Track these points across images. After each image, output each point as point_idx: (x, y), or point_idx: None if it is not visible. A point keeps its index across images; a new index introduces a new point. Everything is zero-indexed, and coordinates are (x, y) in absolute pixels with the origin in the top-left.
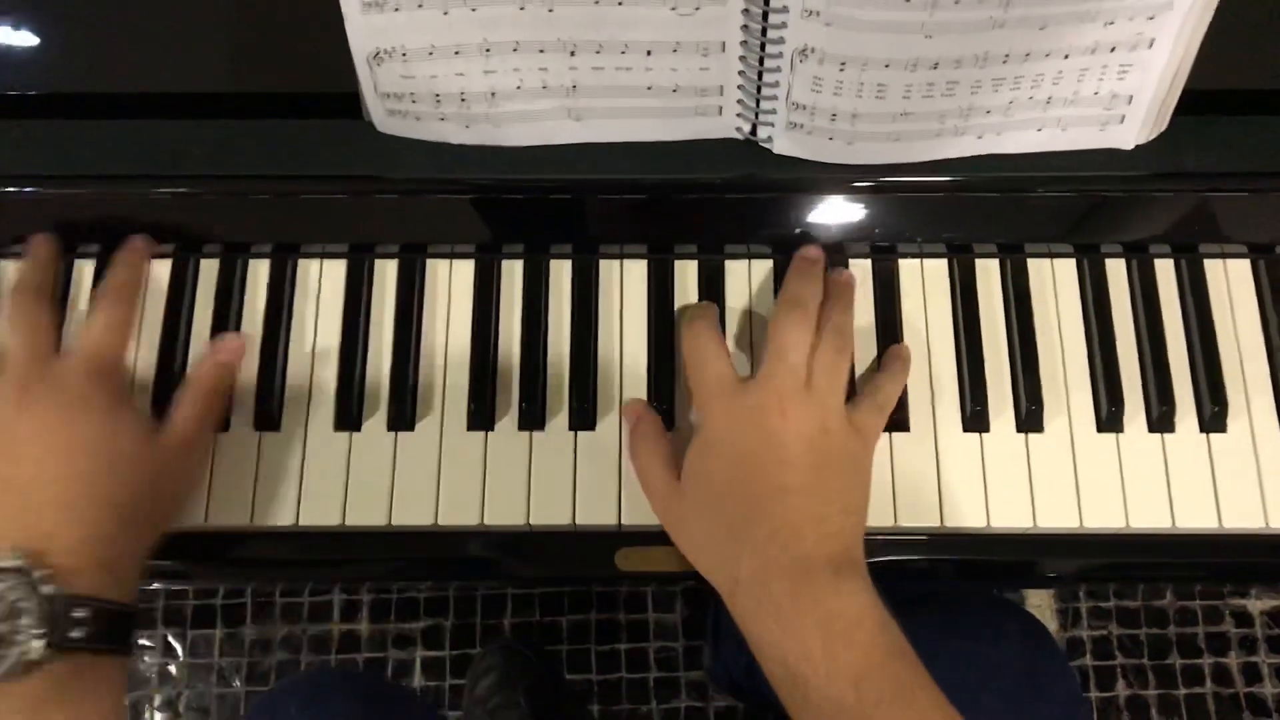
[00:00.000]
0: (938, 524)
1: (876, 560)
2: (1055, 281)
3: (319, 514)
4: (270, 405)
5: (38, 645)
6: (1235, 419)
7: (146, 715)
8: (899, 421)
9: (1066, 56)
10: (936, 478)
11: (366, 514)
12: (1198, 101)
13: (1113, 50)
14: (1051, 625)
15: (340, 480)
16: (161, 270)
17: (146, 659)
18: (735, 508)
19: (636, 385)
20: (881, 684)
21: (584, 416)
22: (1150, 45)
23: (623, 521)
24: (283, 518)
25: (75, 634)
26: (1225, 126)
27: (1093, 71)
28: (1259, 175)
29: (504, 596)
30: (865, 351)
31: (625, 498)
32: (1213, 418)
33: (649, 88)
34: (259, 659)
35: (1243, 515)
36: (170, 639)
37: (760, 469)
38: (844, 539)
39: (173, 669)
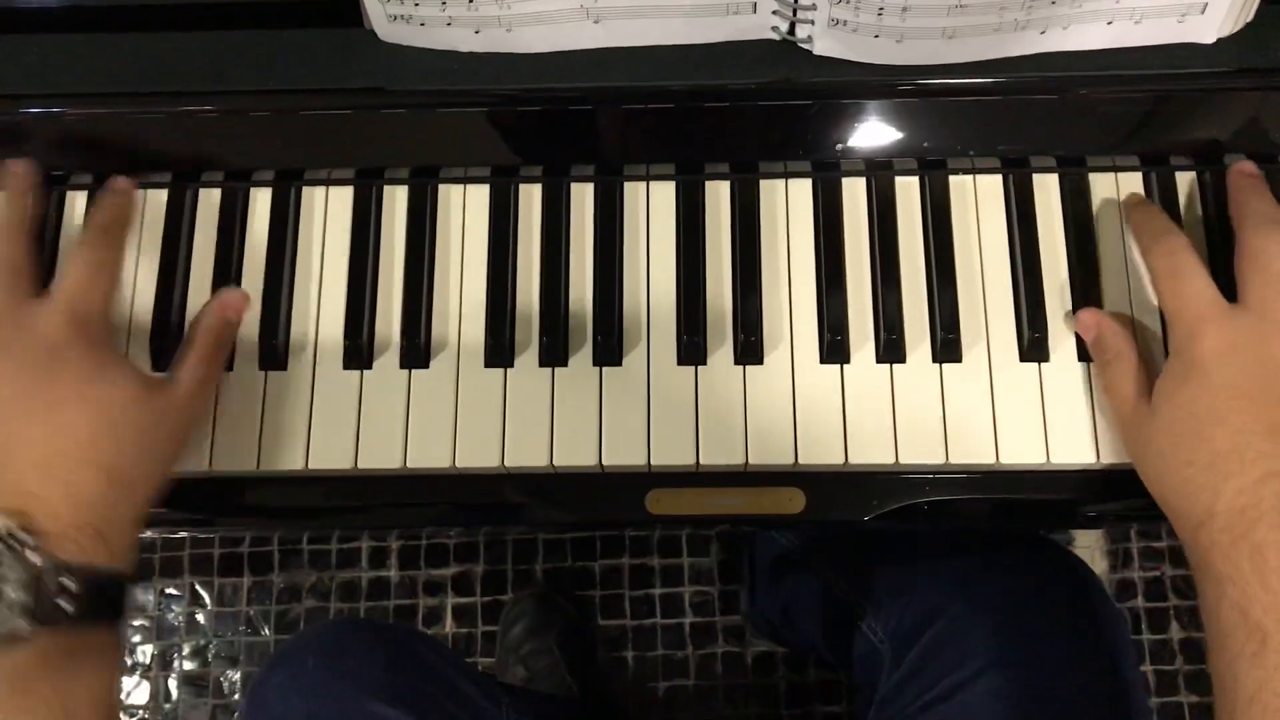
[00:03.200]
0: (992, 460)
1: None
2: (1119, 195)
3: (330, 458)
4: (276, 343)
5: (21, 621)
6: None
7: (175, 664)
8: (952, 353)
9: None
10: (991, 411)
11: (380, 457)
12: None
13: None
14: (1100, 566)
15: (351, 421)
16: (158, 200)
17: (175, 608)
18: (1225, 438)
19: (665, 317)
20: None
21: (609, 352)
22: None
23: (653, 462)
24: (292, 462)
25: (64, 605)
26: None
27: None
28: None
29: (535, 541)
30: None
31: (654, 437)
32: None
33: None
34: (287, 606)
35: None
36: (198, 587)
37: (1261, 403)
38: None
39: (200, 618)
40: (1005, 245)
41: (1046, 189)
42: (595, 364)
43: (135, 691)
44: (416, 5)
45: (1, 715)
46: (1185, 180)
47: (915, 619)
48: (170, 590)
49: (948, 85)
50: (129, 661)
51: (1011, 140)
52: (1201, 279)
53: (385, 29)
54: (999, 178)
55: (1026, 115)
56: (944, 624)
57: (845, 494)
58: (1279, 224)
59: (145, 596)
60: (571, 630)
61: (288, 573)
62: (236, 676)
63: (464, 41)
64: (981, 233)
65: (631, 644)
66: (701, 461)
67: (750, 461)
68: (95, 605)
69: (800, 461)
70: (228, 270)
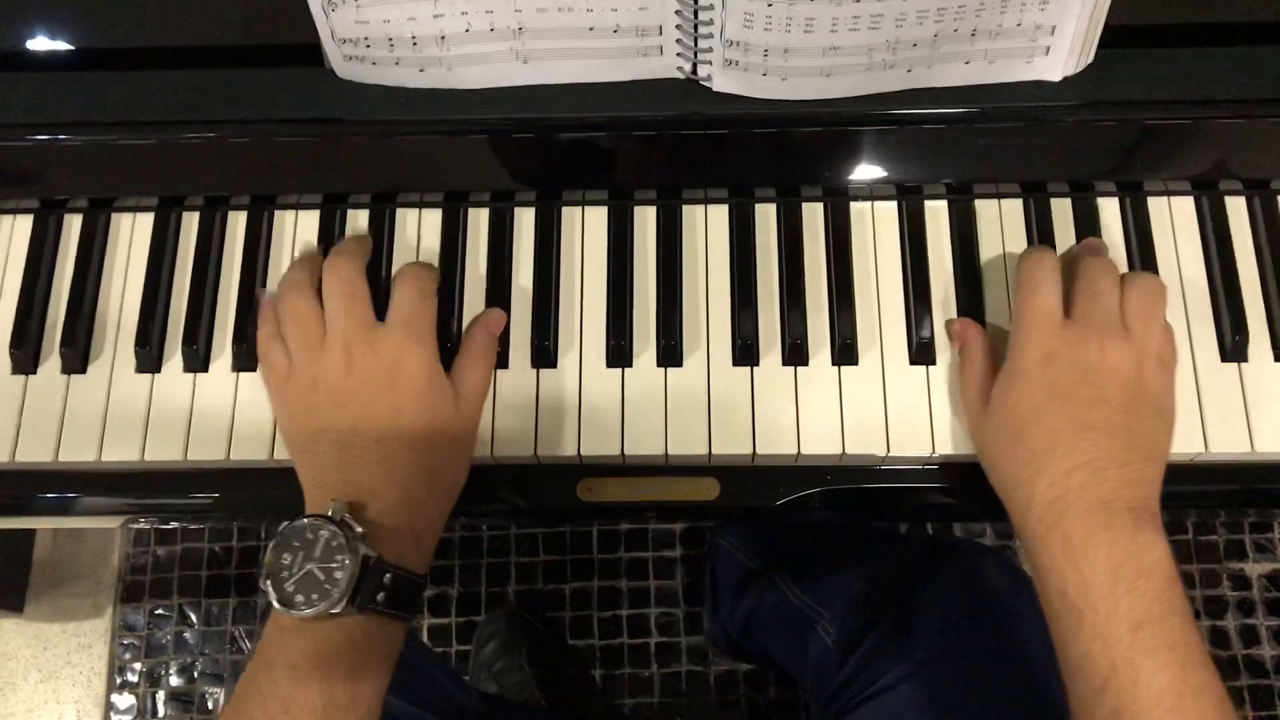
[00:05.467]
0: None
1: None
2: (1002, 224)
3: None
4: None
5: (342, 603)
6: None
7: (163, 681)
8: (849, 357)
9: None
10: (884, 408)
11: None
12: (1123, 35)
13: None
14: None
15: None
16: (145, 222)
17: (163, 627)
18: (1039, 437)
19: (597, 325)
20: (1158, 634)
21: (545, 355)
22: None
23: (583, 453)
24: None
25: (378, 597)
26: (1150, 58)
27: (1013, 3)
28: (1189, 103)
29: (508, 564)
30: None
31: (584, 431)
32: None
33: (591, 28)
34: None
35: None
36: (185, 608)
37: (1070, 403)
38: (1144, 486)
39: (188, 636)
40: (899, 265)
41: (937, 215)
42: (532, 366)
43: (124, 707)
44: (368, 47)
45: (301, 682)
46: (1060, 206)
47: (861, 622)
48: (159, 610)
49: (834, 116)
50: (119, 680)
51: (898, 168)
52: (1050, 294)
53: (342, 68)
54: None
55: (910, 146)
56: (884, 627)
57: (755, 483)
58: (1101, 251)
59: (135, 616)
60: (541, 648)
61: None
62: (220, 694)
63: (410, 79)
64: (878, 254)
65: (599, 662)
66: (627, 452)
67: (670, 453)
68: (401, 603)
69: (714, 453)
70: (252, 280)
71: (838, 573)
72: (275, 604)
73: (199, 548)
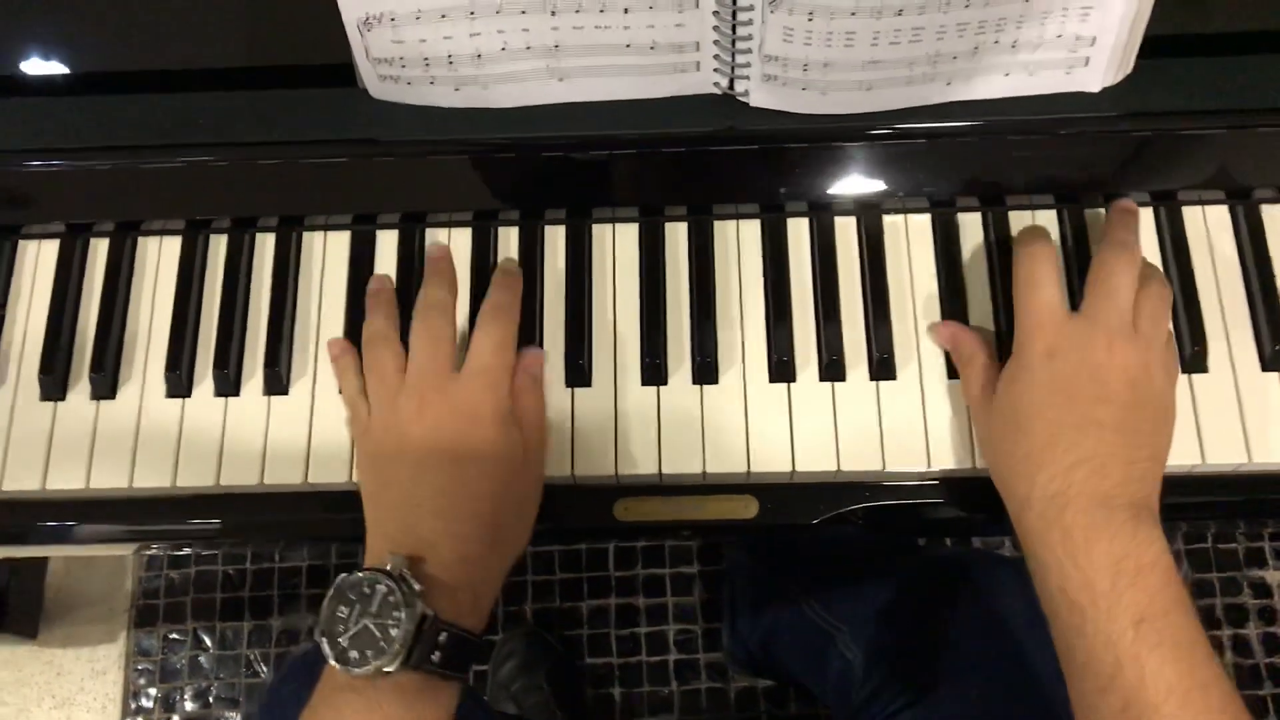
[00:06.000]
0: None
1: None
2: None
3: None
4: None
5: (397, 661)
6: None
7: (178, 706)
8: (888, 371)
9: (1028, 0)
10: (924, 423)
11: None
12: (1162, 45)
13: None
14: None
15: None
16: (173, 247)
17: (178, 652)
18: (1042, 431)
19: (633, 342)
20: (1162, 629)
21: (580, 374)
22: None
23: (620, 472)
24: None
25: (433, 657)
26: (1189, 67)
27: (1054, 15)
28: (1228, 112)
29: (525, 583)
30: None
31: (620, 450)
32: (1193, 357)
33: (628, 45)
34: (286, 649)
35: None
36: (200, 632)
37: (1076, 399)
38: (1147, 484)
39: (203, 661)
40: (933, 277)
41: (972, 227)
42: (567, 385)
43: None
44: (404, 66)
45: None
46: (1093, 216)
47: (883, 639)
48: (173, 635)
49: (868, 129)
50: (133, 705)
51: (934, 181)
52: (1051, 289)
53: (377, 88)
54: (927, 217)
55: (944, 159)
56: (906, 644)
57: (794, 500)
58: (1127, 247)
59: (149, 641)
60: (560, 668)
61: (287, 616)
62: (236, 718)
63: (446, 98)
64: (913, 267)
65: (618, 681)
66: (664, 471)
67: (708, 470)
68: (455, 662)
69: (753, 470)
70: (282, 302)
71: (857, 589)
72: (331, 661)
73: (213, 570)
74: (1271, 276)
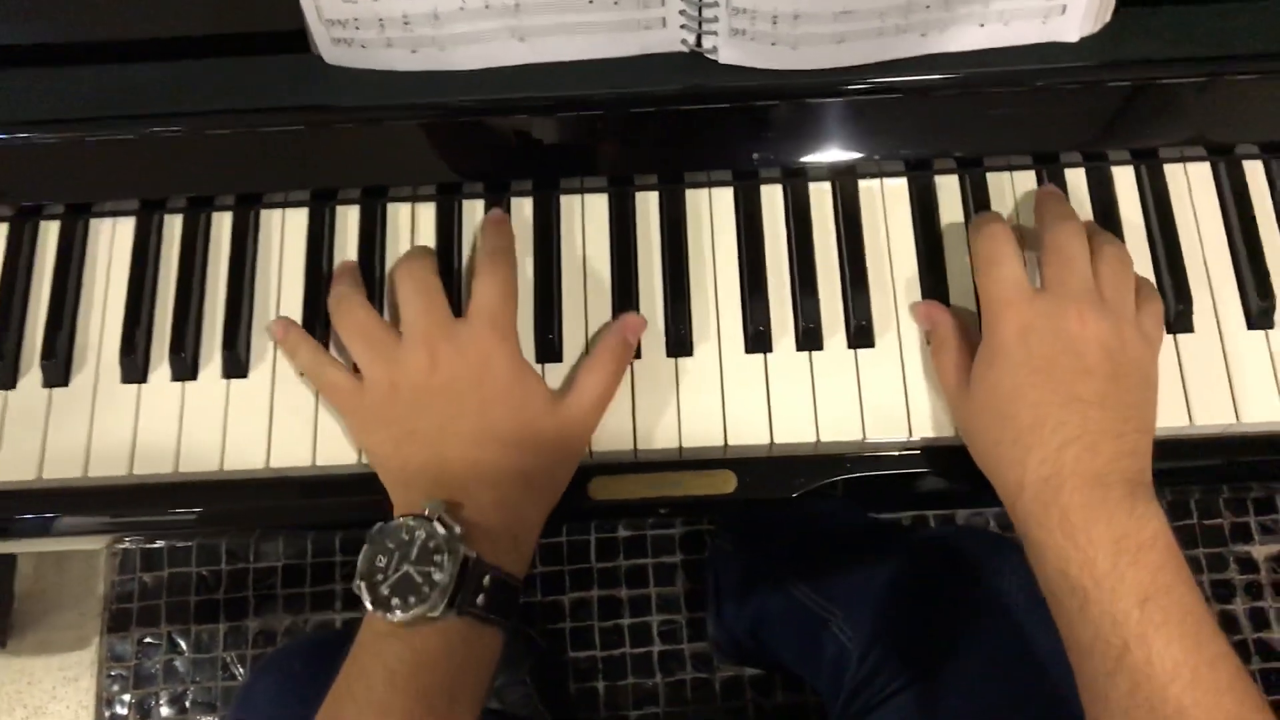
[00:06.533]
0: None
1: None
2: (1015, 193)
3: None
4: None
5: (441, 605)
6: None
7: (154, 713)
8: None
9: None
10: (904, 390)
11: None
12: None
13: None
14: None
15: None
16: (126, 229)
17: (152, 656)
18: (1026, 414)
19: (605, 315)
20: (1167, 607)
21: (550, 349)
22: None
23: (593, 450)
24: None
25: (478, 600)
26: (1170, 15)
27: None
28: (1209, 60)
29: None
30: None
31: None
32: (1178, 317)
33: (590, 1)
34: (263, 650)
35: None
36: (175, 635)
37: (1056, 377)
38: (1138, 458)
39: (178, 665)
40: (911, 241)
41: (950, 189)
42: (537, 361)
43: None
44: (358, 28)
45: (398, 690)
46: (1074, 177)
47: (879, 622)
48: (148, 639)
49: (840, 85)
50: (107, 713)
51: (911, 141)
52: (1012, 265)
53: (330, 51)
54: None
55: (919, 116)
56: (903, 626)
57: (773, 474)
58: (1068, 218)
59: (123, 646)
60: (543, 663)
61: (263, 617)
62: None
63: (403, 61)
64: (890, 232)
65: (602, 674)
66: (639, 448)
67: (684, 445)
68: (499, 607)
69: (730, 444)
70: (240, 283)
71: (849, 571)
72: (370, 607)
73: (186, 572)
74: (1256, 234)
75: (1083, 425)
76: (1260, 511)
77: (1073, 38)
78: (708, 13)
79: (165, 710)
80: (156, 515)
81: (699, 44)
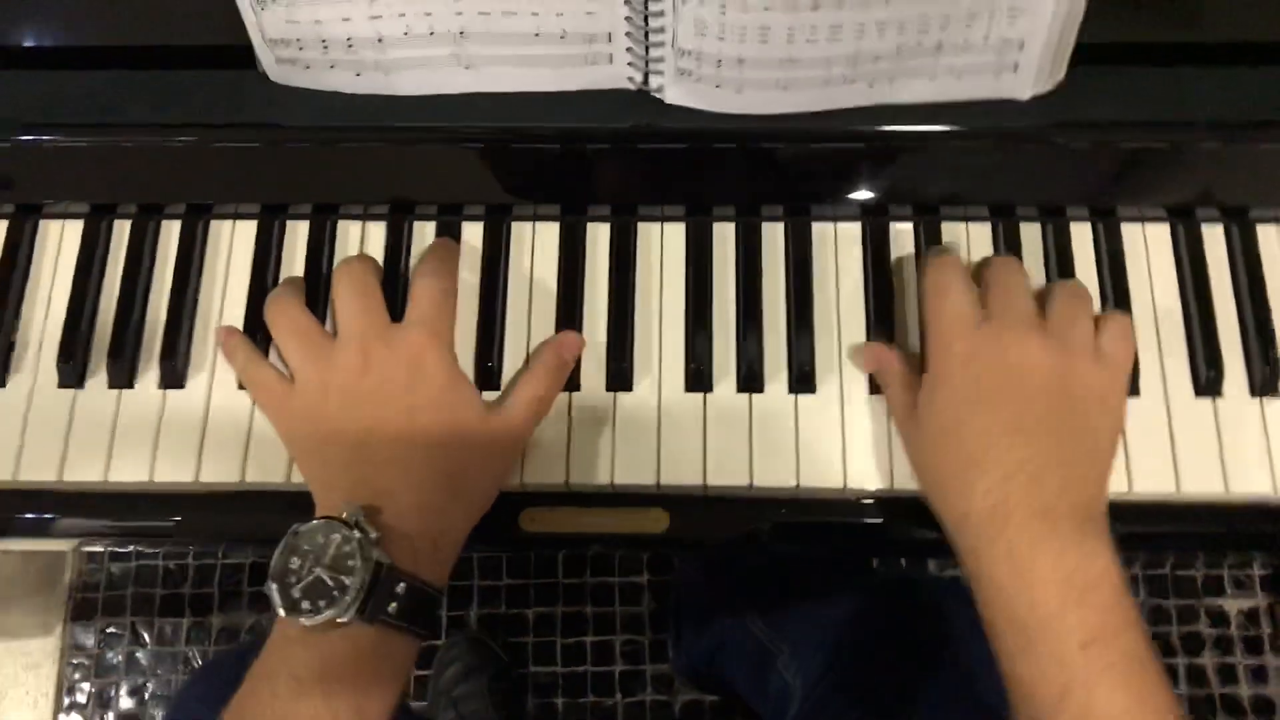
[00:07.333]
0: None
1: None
2: (970, 244)
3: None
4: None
5: (352, 611)
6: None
7: (113, 703)
8: (807, 384)
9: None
10: (841, 439)
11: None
12: (1098, 53)
13: None
14: None
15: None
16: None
17: (115, 647)
18: (971, 443)
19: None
20: (1112, 651)
21: (489, 376)
22: None
23: (525, 480)
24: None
25: (389, 608)
26: (1127, 76)
27: (981, 17)
28: (1167, 125)
29: (470, 588)
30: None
31: (528, 459)
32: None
33: (536, 34)
34: (225, 647)
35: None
36: (139, 627)
37: (997, 405)
38: (1088, 489)
39: (140, 657)
40: (861, 288)
41: (904, 236)
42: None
43: None
44: (300, 49)
45: (303, 696)
46: (1029, 231)
47: (821, 661)
48: (111, 629)
49: (789, 131)
50: (67, 701)
51: (861, 188)
52: (959, 296)
53: (274, 70)
54: (858, 225)
55: (869, 165)
56: (844, 667)
57: (706, 515)
58: (1008, 258)
59: (86, 635)
60: (503, 675)
61: (226, 614)
62: None
63: (346, 84)
64: (840, 278)
65: (562, 690)
66: (571, 480)
67: (616, 481)
68: (413, 616)
69: (663, 482)
70: (184, 292)
71: (802, 608)
72: (280, 610)
73: (154, 565)
74: (1209, 300)
75: (1026, 455)
76: (1234, 566)
77: (1025, 95)
78: (654, 52)
79: (125, 701)
80: (88, 520)
81: (646, 82)
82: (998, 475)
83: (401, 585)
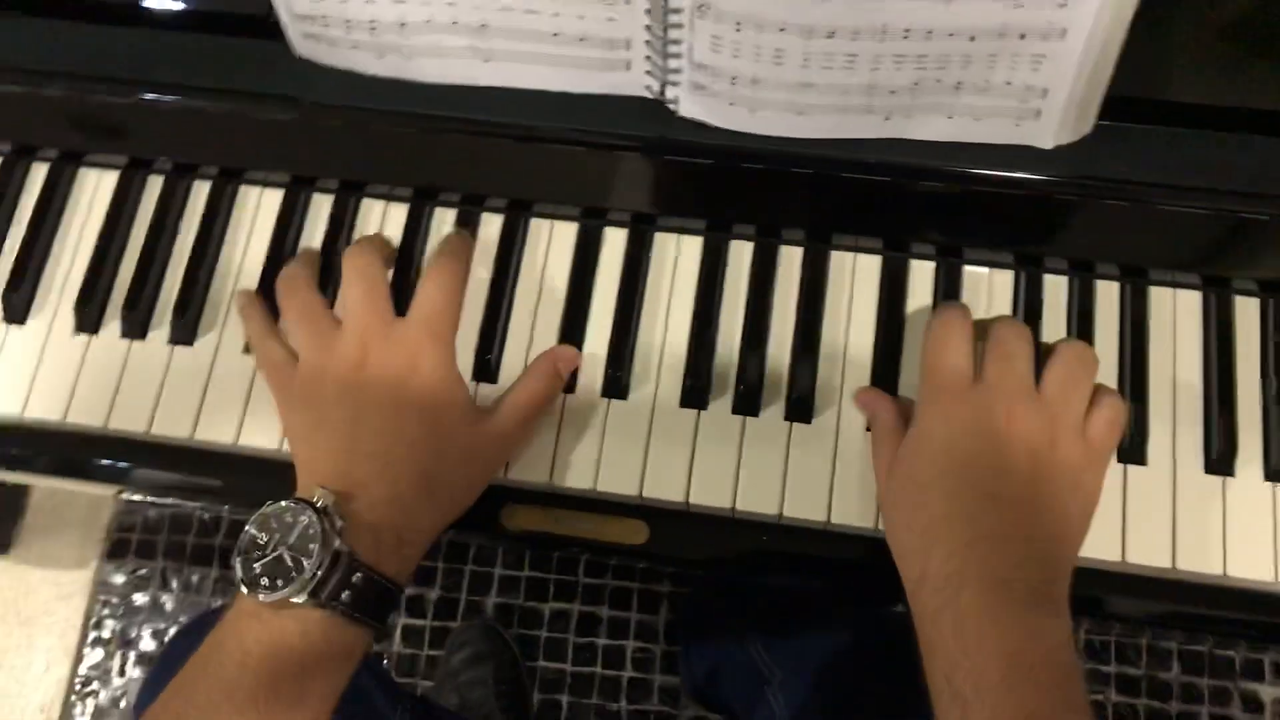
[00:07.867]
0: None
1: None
2: (991, 292)
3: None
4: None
5: (305, 594)
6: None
7: (136, 642)
8: (803, 413)
9: (973, 39)
10: (831, 473)
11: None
12: (1132, 108)
13: (1023, 37)
14: None
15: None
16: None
17: (144, 589)
18: (938, 505)
19: (546, 345)
20: None
21: (486, 369)
22: (1063, 36)
23: (509, 476)
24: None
25: (343, 596)
26: (1159, 136)
27: (1003, 58)
28: (1196, 190)
29: (491, 575)
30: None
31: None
32: (1132, 447)
33: (555, 34)
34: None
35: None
36: (167, 573)
37: (973, 471)
38: (1049, 568)
39: (166, 601)
40: (873, 322)
41: (923, 275)
42: (473, 379)
43: (93, 663)
44: (325, 26)
45: (248, 670)
46: (1053, 283)
47: (807, 692)
48: (141, 571)
49: (798, 157)
50: (92, 635)
51: (872, 224)
52: (958, 355)
53: (300, 45)
54: (878, 259)
55: (882, 200)
56: (830, 701)
57: (686, 532)
58: (1015, 322)
59: (117, 575)
60: (510, 667)
61: None
62: None
63: (368, 65)
64: (852, 310)
65: (568, 689)
66: (554, 481)
67: (599, 487)
68: (366, 607)
69: (645, 494)
70: (204, 252)
71: (800, 637)
72: (240, 584)
73: (189, 513)
74: (1232, 375)
75: (994, 525)
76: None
77: (1047, 144)
78: (673, 63)
79: (147, 643)
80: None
81: (663, 92)
82: (961, 540)
83: (359, 575)
